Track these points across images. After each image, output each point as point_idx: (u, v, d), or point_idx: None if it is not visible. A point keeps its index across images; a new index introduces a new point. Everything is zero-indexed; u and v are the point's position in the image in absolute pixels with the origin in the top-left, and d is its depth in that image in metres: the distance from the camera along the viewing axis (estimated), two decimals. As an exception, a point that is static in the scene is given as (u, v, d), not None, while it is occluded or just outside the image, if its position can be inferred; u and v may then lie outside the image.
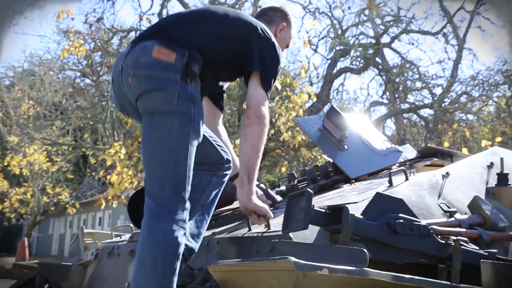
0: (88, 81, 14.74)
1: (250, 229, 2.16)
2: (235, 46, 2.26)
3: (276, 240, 1.81)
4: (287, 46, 2.83)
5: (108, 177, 9.41)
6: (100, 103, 13.45)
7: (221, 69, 2.30)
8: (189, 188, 2.10)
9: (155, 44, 2.11)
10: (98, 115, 13.34)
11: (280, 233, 1.87)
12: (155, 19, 10.58)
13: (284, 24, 2.73)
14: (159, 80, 2.07)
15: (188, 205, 2.10)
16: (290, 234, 1.85)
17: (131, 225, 2.97)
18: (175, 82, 2.08)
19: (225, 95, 2.83)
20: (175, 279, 1.98)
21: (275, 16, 2.73)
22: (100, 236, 3.75)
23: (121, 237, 3.50)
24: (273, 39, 2.33)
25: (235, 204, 2.94)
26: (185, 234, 2.07)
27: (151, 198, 2.08)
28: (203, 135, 2.24)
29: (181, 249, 2.02)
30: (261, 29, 2.31)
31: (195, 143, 2.13)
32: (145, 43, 2.15)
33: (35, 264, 3.32)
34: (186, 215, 2.08)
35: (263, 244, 1.93)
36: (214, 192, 2.34)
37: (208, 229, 2.33)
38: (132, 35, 10.99)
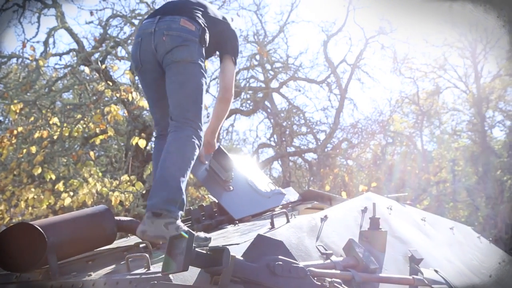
0: (-41, 106, 13.55)
1: (129, 270, 2.08)
2: (217, 32, 3.17)
3: (155, 282, 1.77)
4: None
5: (-25, 212, 8.61)
6: (-28, 131, 12.40)
7: (208, 47, 3.12)
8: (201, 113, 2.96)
9: (181, 18, 2.99)
10: (-31, 144, 12.24)
11: (160, 274, 1.82)
12: (40, 47, 10.08)
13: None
14: (185, 39, 2.95)
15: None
16: (170, 275, 1.81)
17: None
18: (195, 43, 2.97)
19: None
20: (189, 171, 2.77)
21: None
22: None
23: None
24: (235, 30, 3.35)
25: (115, 244, 2.83)
26: (199, 147, 2.87)
27: (176, 120, 2.86)
28: None
29: (196, 152, 2.82)
30: (229, 23, 3.30)
31: (205, 85, 3.02)
32: (173, 17, 3.00)
33: None
34: (202, 135, 2.91)
35: (142, 286, 1.86)
36: None
37: (83, 270, 2.21)
38: (14, 61, 10.37)
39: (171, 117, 2.92)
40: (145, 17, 3.42)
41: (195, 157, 2.82)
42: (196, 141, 2.84)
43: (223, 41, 3.25)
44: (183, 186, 2.69)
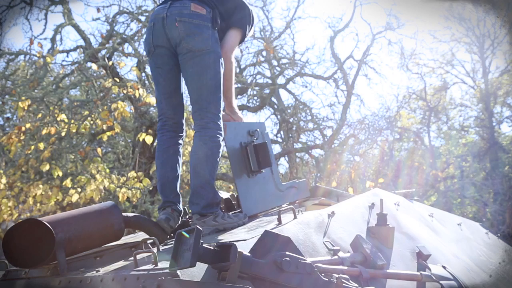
0: (-32, 103, 13.60)
1: (136, 266, 2.09)
2: (225, 9, 3.15)
3: (163, 278, 1.77)
4: None
5: (-17, 208, 8.65)
6: (-20, 127, 12.46)
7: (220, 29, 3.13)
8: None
9: (192, 3, 3.01)
10: (-23, 141, 12.31)
11: (168, 270, 1.83)
12: (47, 44, 10.14)
13: None
14: (197, 26, 2.98)
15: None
16: (178, 271, 1.81)
17: (6, 261, 2.74)
18: (208, 28, 3.00)
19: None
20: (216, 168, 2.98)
21: None
22: (-32, 274, 3.39)
23: (-7, 275, 3.21)
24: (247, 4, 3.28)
25: (122, 240, 2.84)
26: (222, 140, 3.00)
27: (200, 117, 2.97)
28: None
29: (221, 149, 2.99)
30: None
31: (222, 71, 3.05)
32: (183, 1, 3.02)
33: None
34: (222, 124, 3.02)
35: (149, 282, 1.87)
36: None
37: (91, 266, 2.22)
38: (21, 58, 10.41)
39: (193, 114, 3.00)
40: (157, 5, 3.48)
41: (220, 153, 2.99)
42: (220, 137, 2.98)
43: (229, 16, 3.19)
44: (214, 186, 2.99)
